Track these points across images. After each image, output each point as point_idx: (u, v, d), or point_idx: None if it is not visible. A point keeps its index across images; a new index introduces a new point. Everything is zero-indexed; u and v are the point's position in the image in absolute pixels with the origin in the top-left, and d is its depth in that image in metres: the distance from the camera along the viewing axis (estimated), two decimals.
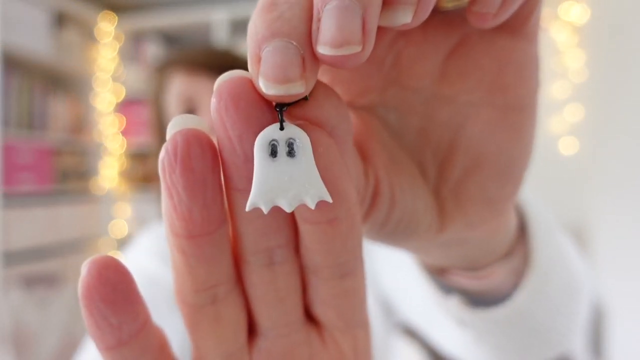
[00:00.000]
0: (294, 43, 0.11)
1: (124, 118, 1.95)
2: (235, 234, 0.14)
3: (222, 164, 0.13)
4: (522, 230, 0.25)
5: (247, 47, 0.12)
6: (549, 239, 0.25)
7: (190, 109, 0.58)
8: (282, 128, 0.12)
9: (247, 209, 0.12)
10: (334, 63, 0.11)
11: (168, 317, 0.38)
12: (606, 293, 1.37)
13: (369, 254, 0.47)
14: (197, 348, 0.16)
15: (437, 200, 0.19)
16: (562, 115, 1.70)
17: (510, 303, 0.24)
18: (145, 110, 1.90)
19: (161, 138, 0.63)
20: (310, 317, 0.16)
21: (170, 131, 0.13)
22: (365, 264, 0.49)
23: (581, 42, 1.68)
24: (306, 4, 0.12)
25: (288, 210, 0.12)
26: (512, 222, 0.22)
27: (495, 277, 0.24)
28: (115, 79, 1.96)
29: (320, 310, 0.16)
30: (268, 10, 0.12)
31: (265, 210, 0.12)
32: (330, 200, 0.13)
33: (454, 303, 0.25)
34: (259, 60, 0.12)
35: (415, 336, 0.50)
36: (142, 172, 1.95)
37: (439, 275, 0.26)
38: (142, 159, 1.94)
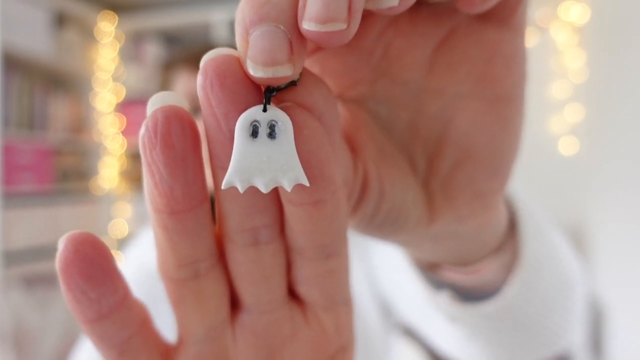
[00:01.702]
0: (282, 27, 0.11)
1: (124, 118, 1.95)
2: (220, 212, 0.15)
3: (208, 142, 0.13)
4: (513, 226, 0.25)
5: (235, 32, 0.12)
6: (539, 235, 0.25)
7: (196, 107, 0.59)
8: (265, 110, 0.12)
9: (222, 187, 0.12)
10: (319, 40, 0.12)
11: (166, 312, 0.38)
12: (606, 293, 1.36)
13: (367, 255, 0.47)
14: (181, 322, 0.16)
15: (426, 193, 0.19)
16: (562, 115, 1.70)
17: (500, 298, 0.24)
18: (145, 110, 1.90)
19: None
20: (293, 294, 0.17)
21: (150, 108, 0.13)
22: (363, 264, 0.49)
23: (581, 42, 1.68)
24: None
25: (264, 191, 0.12)
26: (502, 217, 0.22)
27: (485, 272, 0.23)
28: (115, 79, 1.96)
29: (304, 289, 0.16)
30: None
31: (241, 190, 0.12)
32: (308, 184, 0.13)
33: (444, 298, 0.25)
34: (246, 43, 0.12)
35: (414, 336, 0.50)
36: (142, 172, 1.95)
37: (430, 270, 0.26)
38: None
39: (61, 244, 0.13)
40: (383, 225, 0.18)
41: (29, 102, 1.69)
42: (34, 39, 1.64)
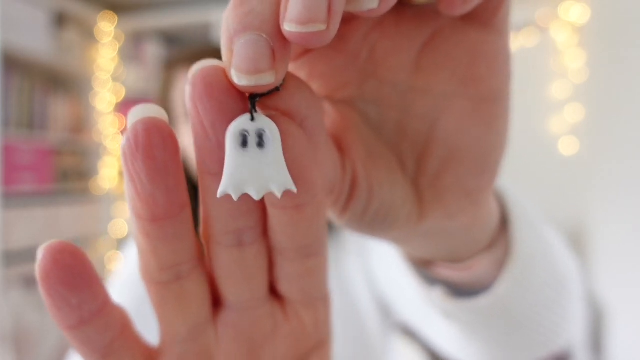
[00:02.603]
0: (265, 36, 0.12)
1: (124, 118, 1.96)
2: (206, 215, 0.15)
3: (196, 150, 0.14)
4: (505, 223, 0.25)
5: (221, 41, 0.13)
6: (531, 231, 0.25)
7: None
8: (252, 119, 0.13)
9: (217, 195, 0.13)
10: (300, 41, 0.12)
11: None
12: (606, 293, 1.36)
13: (365, 255, 0.47)
14: (164, 324, 0.16)
15: (415, 191, 0.19)
16: (562, 115, 1.70)
17: (492, 293, 0.24)
18: None
19: None
20: (274, 292, 0.17)
21: (131, 120, 0.13)
22: (362, 266, 0.49)
23: (581, 42, 1.68)
24: None
25: (256, 198, 0.13)
26: (492, 213, 0.22)
27: (478, 269, 0.24)
28: (115, 79, 1.97)
29: (285, 287, 0.17)
30: (240, 5, 0.12)
31: (235, 198, 0.13)
32: (295, 190, 0.13)
33: (438, 294, 0.26)
34: (231, 53, 0.12)
35: (414, 336, 0.50)
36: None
37: (423, 267, 0.26)
38: None
39: (39, 254, 0.14)
40: (373, 223, 0.18)
41: (29, 102, 1.69)
42: (34, 39, 1.64)
